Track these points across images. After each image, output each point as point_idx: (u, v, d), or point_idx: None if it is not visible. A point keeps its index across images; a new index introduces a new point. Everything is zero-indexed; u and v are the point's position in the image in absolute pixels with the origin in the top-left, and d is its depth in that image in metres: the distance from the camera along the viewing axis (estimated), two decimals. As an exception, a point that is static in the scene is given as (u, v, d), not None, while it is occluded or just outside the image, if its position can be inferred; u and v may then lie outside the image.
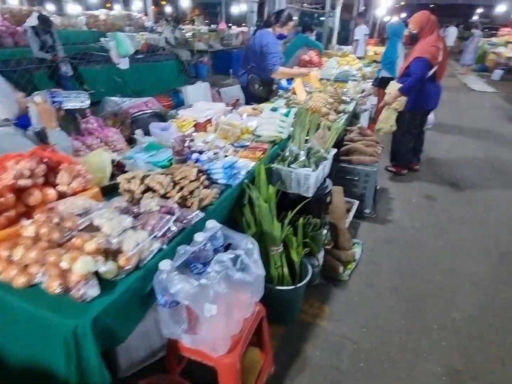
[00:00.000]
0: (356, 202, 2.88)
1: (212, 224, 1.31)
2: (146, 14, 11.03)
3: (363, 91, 4.11)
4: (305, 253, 1.94)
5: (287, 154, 2.06)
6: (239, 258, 1.22)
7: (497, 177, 3.82)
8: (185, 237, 1.28)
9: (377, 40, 10.58)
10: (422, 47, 3.08)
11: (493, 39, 13.24)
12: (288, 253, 1.88)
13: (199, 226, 1.34)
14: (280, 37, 3.16)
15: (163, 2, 20.36)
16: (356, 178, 2.94)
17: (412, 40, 3.26)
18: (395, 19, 8.29)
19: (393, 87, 3.31)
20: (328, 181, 2.28)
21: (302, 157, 2.02)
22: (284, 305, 1.85)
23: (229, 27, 12.40)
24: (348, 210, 2.82)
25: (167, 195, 1.47)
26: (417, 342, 1.81)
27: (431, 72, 3.13)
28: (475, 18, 24.54)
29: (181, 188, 1.50)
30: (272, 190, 1.71)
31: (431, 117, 3.71)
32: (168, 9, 19.95)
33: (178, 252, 1.17)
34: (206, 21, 14.93)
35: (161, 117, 2.73)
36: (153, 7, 13.25)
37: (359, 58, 6.27)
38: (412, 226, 2.87)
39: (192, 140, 1.82)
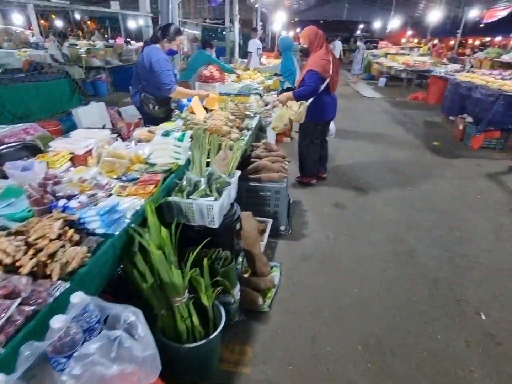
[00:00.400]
0: (270, 221, 2.77)
1: (78, 298, 1.00)
2: (32, 29, 9.79)
3: (267, 104, 4.09)
4: (218, 292, 1.72)
5: (185, 183, 1.82)
6: (116, 341, 0.93)
7: (393, 177, 4.14)
8: (40, 325, 0.95)
9: (277, 53, 11.08)
10: (313, 61, 3.16)
11: (375, 51, 15.02)
12: (198, 298, 1.64)
13: (63, 301, 1.02)
14: (170, 52, 2.93)
15: (53, 16, 18.38)
16: (268, 194, 2.84)
17: (304, 53, 3.35)
18: (290, 33, 8.76)
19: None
20: (236, 206, 2.11)
21: (203, 185, 1.81)
22: (198, 362, 1.59)
23: (128, 42, 11.78)
24: (263, 231, 2.69)
25: (18, 263, 1.11)
26: (345, 369, 1.71)
27: (324, 85, 3.23)
28: (358, 33, 27.83)
29: (38, 251, 1.15)
30: (165, 233, 1.45)
31: (332, 126, 3.85)
32: (59, 23, 18.06)
33: (22, 355, 0.84)
34: (106, 36, 13.92)
35: (36, 150, 2.26)
36: (42, 21, 11.81)
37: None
38: (326, 237, 2.87)
39: (57, 183, 1.46)
